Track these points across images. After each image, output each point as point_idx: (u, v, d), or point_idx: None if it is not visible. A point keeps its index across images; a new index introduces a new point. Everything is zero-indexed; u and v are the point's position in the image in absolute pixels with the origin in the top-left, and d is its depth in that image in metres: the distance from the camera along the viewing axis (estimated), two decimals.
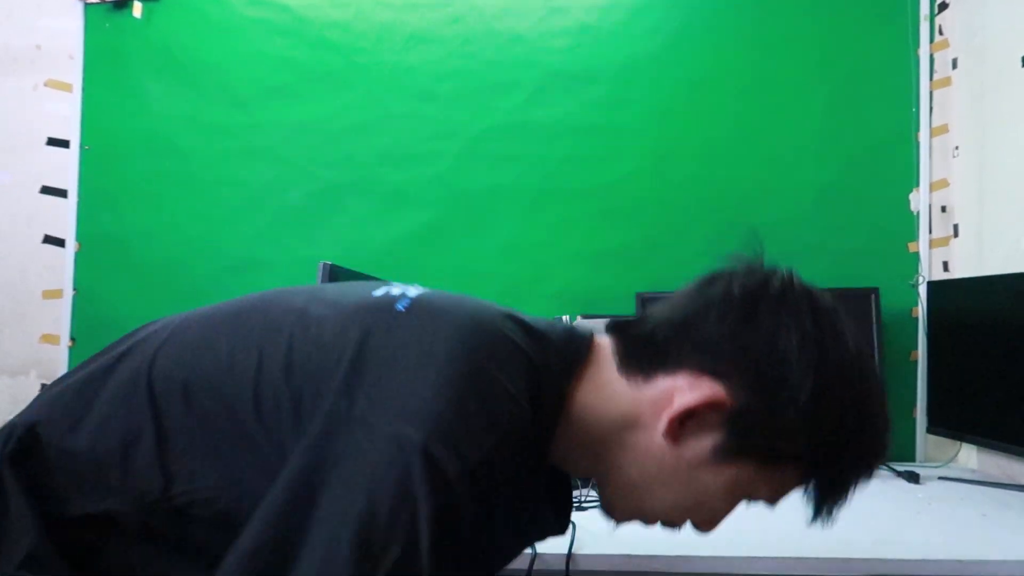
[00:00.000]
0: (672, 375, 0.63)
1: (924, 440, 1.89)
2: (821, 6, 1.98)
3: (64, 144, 2.07)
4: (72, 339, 2.02)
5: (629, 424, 0.64)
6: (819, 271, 1.91)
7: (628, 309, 1.85)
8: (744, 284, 0.63)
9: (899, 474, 1.69)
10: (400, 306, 0.62)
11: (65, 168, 2.06)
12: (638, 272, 1.95)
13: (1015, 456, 1.64)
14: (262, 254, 2.02)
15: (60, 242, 2.05)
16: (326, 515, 0.51)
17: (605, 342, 0.68)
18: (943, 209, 1.95)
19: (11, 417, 0.64)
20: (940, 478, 1.68)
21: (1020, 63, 1.69)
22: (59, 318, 2.03)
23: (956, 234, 1.93)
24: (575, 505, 1.39)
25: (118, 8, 2.06)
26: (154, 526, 0.60)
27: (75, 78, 2.05)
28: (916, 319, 1.91)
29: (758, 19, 1.99)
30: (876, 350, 1.77)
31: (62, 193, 2.06)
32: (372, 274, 1.52)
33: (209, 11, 2.05)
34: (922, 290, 1.89)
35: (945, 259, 1.94)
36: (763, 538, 1.20)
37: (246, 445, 0.59)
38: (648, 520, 0.69)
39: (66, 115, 2.07)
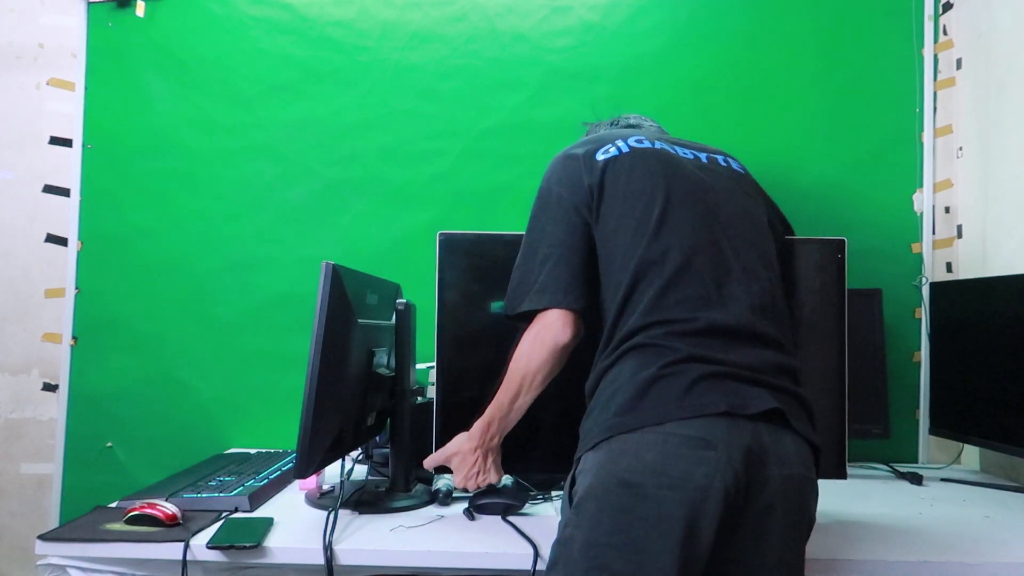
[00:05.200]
0: None
1: (927, 441, 1.89)
2: (825, 6, 1.98)
3: (67, 143, 2.07)
4: (74, 338, 2.02)
5: None
6: None
7: None
8: None
9: (902, 475, 1.69)
10: None
11: (68, 167, 2.06)
12: None
13: (1018, 458, 1.63)
14: (264, 252, 2.02)
15: (63, 241, 2.05)
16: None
17: None
18: (947, 210, 1.94)
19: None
20: (943, 479, 1.68)
21: None
22: (61, 317, 2.03)
23: (960, 235, 1.92)
24: None
25: (121, 6, 2.06)
26: None
27: (78, 77, 2.06)
28: (919, 320, 1.90)
29: (761, 18, 1.99)
30: (879, 351, 1.76)
31: (65, 192, 2.06)
32: (373, 272, 1.52)
33: (212, 9, 2.05)
34: (925, 291, 1.88)
35: (949, 260, 1.93)
36: None
37: None
38: None
39: (69, 114, 2.07)
